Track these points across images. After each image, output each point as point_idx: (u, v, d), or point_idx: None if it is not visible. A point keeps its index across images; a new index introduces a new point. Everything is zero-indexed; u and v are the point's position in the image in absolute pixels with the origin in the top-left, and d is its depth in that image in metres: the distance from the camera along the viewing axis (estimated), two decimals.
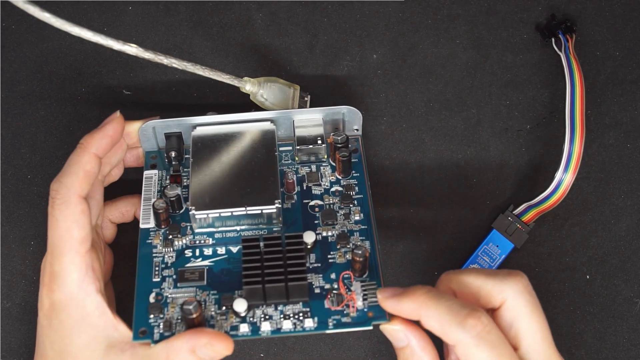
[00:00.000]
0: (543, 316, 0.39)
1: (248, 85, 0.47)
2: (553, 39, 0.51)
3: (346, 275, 0.44)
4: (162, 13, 0.51)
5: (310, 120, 0.48)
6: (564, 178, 0.48)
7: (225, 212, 0.44)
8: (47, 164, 0.50)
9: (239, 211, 0.44)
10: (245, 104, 0.49)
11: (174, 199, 0.45)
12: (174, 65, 0.44)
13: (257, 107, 0.49)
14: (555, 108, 0.51)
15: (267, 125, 0.47)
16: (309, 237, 0.44)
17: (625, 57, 0.52)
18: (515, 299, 0.39)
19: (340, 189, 0.47)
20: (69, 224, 0.41)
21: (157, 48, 0.51)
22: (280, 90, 0.48)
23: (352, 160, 0.47)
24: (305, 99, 0.50)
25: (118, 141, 0.45)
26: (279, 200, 0.44)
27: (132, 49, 0.42)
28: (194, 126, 0.47)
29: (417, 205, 0.51)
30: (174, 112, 0.51)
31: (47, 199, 0.50)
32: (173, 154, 0.47)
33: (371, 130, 0.51)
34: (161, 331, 0.42)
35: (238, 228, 0.46)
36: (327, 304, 0.43)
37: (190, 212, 0.44)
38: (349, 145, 0.47)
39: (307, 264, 0.44)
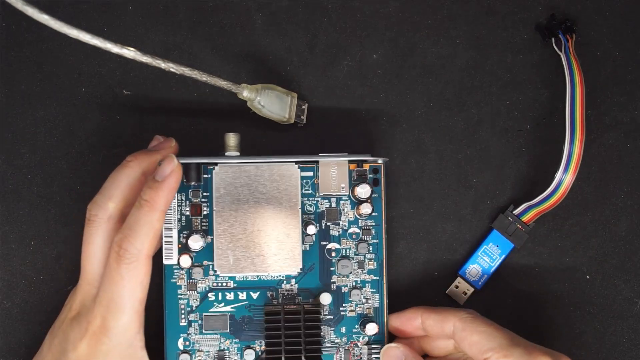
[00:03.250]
0: (491, 326, 0.44)
1: (245, 92, 0.47)
2: (553, 39, 0.51)
3: (355, 331, 0.48)
4: (162, 13, 0.51)
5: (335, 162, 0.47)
6: (564, 178, 0.48)
7: (250, 274, 0.47)
8: (47, 164, 0.50)
9: (262, 274, 0.47)
10: (245, 105, 0.49)
11: (198, 250, 0.47)
12: (172, 69, 0.43)
13: (254, 113, 0.49)
14: (555, 108, 0.51)
15: (292, 169, 0.47)
16: (326, 300, 0.47)
17: (625, 57, 0.52)
18: (457, 329, 0.45)
19: (357, 231, 0.48)
20: (134, 285, 0.41)
21: (157, 48, 0.51)
22: (278, 97, 0.48)
23: (373, 195, 0.47)
24: (303, 107, 0.50)
25: None
26: (301, 267, 0.46)
27: (130, 53, 0.41)
28: (215, 164, 0.47)
29: (417, 205, 0.51)
30: (174, 113, 0.51)
31: (47, 199, 0.50)
32: (193, 183, 0.47)
33: (371, 131, 0.51)
34: None
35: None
36: (336, 358, 0.47)
37: (215, 273, 0.46)
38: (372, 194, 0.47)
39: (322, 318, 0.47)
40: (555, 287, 0.51)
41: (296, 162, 0.47)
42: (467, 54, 0.52)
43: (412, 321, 0.47)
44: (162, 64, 0.43)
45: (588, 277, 0.51)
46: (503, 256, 0.50)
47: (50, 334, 0.45)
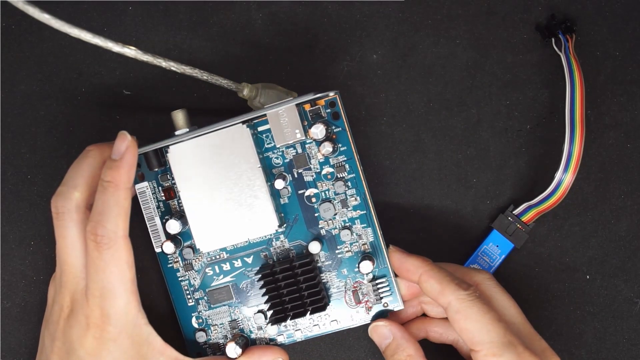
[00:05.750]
0: (487, 315, 0.43)
1: (246, 90, 0.47)
2: (553, 39, 0.51)
3: (357, 270, 0.47)
4: (162, 13, 0.51)
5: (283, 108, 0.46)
6: (564, 178, 0.48)
7: (230, 245, 0.47)
8: (47, 164, 0.51)
9: (242, 241, 0.47)
10: (245, 104, 0.49)
11: (178, 233, 0.47)
12: (173, 68, 0.44)
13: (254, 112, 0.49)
14: (555, 108, 0.51)
15: (241, 130, 0.46)
16: (315, 248, 0.46)
17: (625, 57, 0.52)
18: (482, 284, 0.45)
19: (331, 170, 0.47)
20: (120, 267, 0.41)
21: (157, 48, 0.51)
22: (278, 97, 0.48)
23: (336, 129, 0.46)
24: None
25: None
26: (278, 224, 0.46)
27: (130, 52, 0.42)
28: (167, 147, 0.46)
29: (417, 205, 0.51)
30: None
31: (47, 199, 0.50)
32: (157, 169, 0.47)
33: (371, 130, 0.51)
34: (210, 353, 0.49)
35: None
36: (345, 300, 0.47)
37: (200, 251, 0.47)
38: (330, 128, 0.46)
39: (319, 264, 0.47)
40: (555, 287, 0.51)
41: (243, 122, 0.46)
42: (467, 54, 0.52)
43: (410, 274, 0.45)
44: (163, 63, 0.43)
45: (588, 277, 0.51)
46: (503, 256, 0.50)
47: (47, 337, 0.44)
